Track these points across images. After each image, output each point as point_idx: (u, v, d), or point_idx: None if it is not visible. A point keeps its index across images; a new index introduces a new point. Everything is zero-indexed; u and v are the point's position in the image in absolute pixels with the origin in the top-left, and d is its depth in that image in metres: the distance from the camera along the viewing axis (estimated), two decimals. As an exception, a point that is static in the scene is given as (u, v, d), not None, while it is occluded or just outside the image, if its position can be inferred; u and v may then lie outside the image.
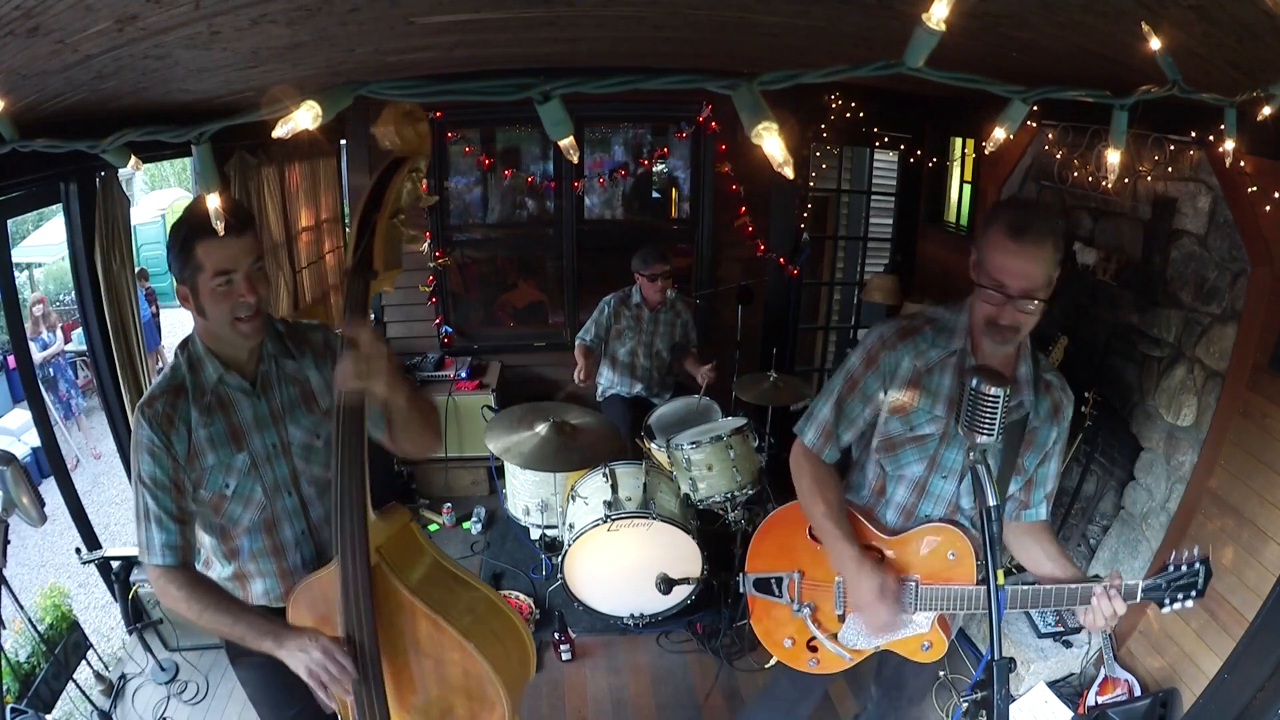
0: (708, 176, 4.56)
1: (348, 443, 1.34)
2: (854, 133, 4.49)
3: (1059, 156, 3.25)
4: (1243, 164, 2.30)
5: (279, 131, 0.85)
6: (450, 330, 4.70)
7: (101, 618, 3.72)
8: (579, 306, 4.69)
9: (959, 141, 4.43)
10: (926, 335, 1.62)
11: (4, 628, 2.00)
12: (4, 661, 2.46)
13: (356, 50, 2.31)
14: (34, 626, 2.66)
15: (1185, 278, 2.71)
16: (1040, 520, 1.70)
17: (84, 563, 2.99)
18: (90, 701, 2.74)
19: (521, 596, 3.38)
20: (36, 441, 4.56)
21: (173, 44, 1.69)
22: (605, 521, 2.98)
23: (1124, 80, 1.19)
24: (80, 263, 2.96)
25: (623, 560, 3.07)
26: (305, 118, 0.83)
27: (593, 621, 3.23)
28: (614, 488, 3.11)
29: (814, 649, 1.81)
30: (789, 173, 0.88)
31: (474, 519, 4.06)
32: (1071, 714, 2.45)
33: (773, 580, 1.81)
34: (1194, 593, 1.47)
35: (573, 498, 3.23)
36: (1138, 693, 2.64)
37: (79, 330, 5.48)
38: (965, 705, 2.66)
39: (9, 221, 2.74)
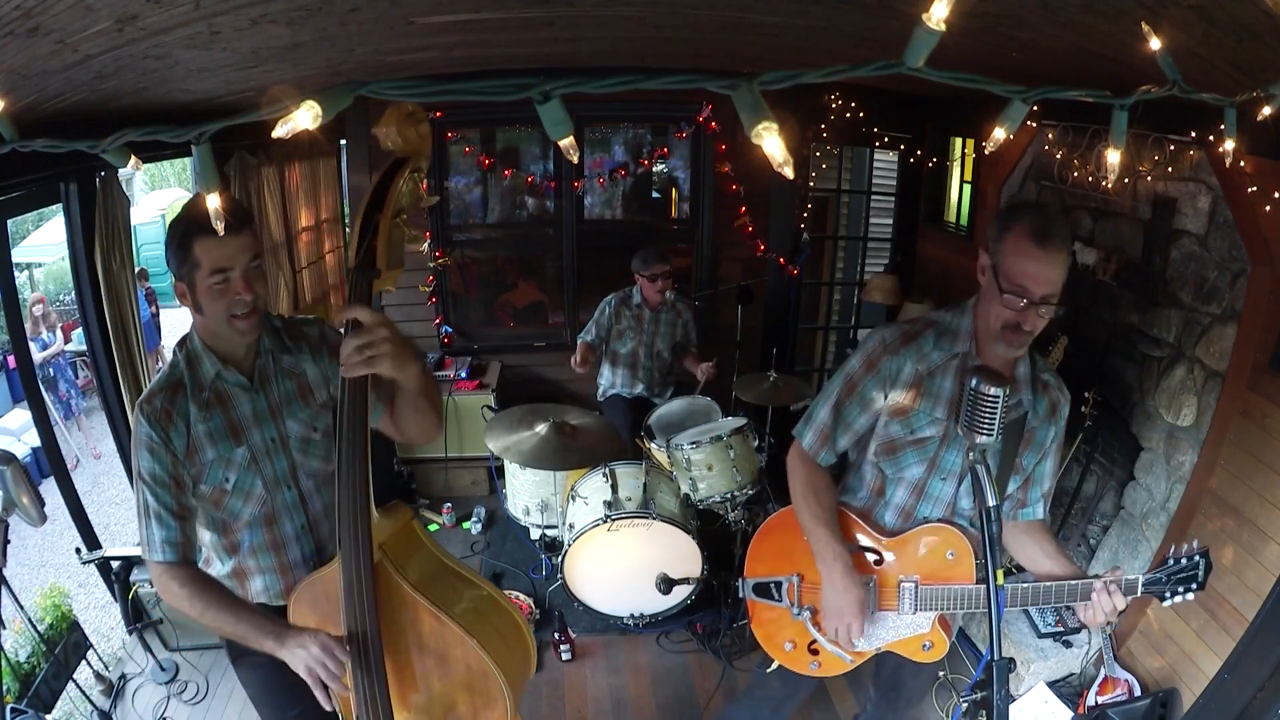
0: (708, 176, 4.56)
1: (350, 436, 1.34)
2: (854, 133, 4.49)
3: (1059, 156, 3.25)
4: (1243, 164, 2.30)
5: (279, 131, 0.85)
6: (450, 330, 4.70)
7: (101, 618, 3.73)
8: (579, 306, 4.70)
9: (959, 141, 4.43)
10: (929, 339, 1.62)
11: (4, 628, 2.00)
12: (4, 661, 2.46)
13: (356, 50, 2.31)
14: (34, 626, 2.66)
15: (1185, 278, 2.71)
16: (1038, 519, 1.71)
17: (84, 563, 2.99)
18: (90, 701, 2.74)
19: (521, 596, 3.38)
20: (36, 441, 4.56)
21: (173, 44, 1.69)
22: (605, 521, 2.99)
23: (1124, 80, 1.19)
24: (80, 263, 2.96)
25: (623, 560, 3.07)
26: (305, 118, 0.83)
27: (593, 621, 3.23)
28: (614, 488, 3.11)
29: (815, 652, 1.81)
30: (789, 173, 0.88)
31: (474, 519, 4.06)
32: (1071, 714, 2.45)
33: (772, 584, 1.80)
34: (1194, 585, 1.47)
35: (573, 498, 3.24)
36: (1138, 693, 2.64)
37: (79, 330, 5.48)
38: (965, 705, 2.67)
39: (9, 221, 2.74)
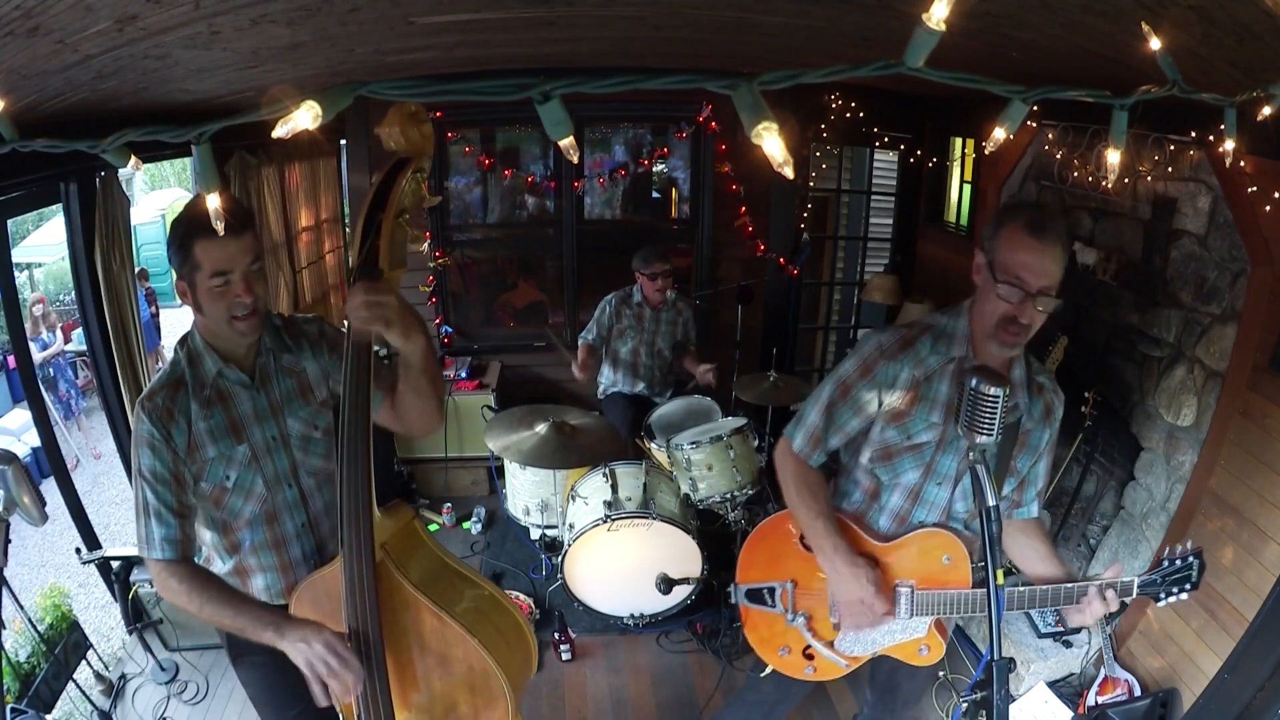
0: (708, 176, 4.56)
1: (352, 435, 1.34)
2: (854, 133, 4.49)
3: (1059, 156, 3.25)
4: (1243, 164, 2.30)
5: (279, 131, 0.85)
6: (450, 330, 4.70)
7: (101, 618, 3.72)
8: (579, 306, 4.70)
9: (959, 141, 4.43)
10: (926, 343, 1.60)
11: (4, 628, 1.99)
12: (4, 661, 2.46)
13: (356, 50, 2.31)
14: (34, 626, 2.66)
15: (1185, 278, 2.71)
16: (1033, 518, 1.71)
17: (84, 563, 2.99)
18: (90, 701, 2.74)
19: (521, 596, 3.38)
20: (36, 441, 4.55)
21: (173, 44, 1.69)
22: (605, 521, 2.98)
23: (1124, 80, 1.19)
24: (80, 263, 2.96)
25: (623, 560, 3.07)
26: (305, 118, 0.83)
27: (593, 621, 3.23)
28: (614, 488, 3.11)
29: (810, 657, 1.80)
30: (789, 173, 0.88)
31: (474, 519, 4.06)
32: (1071, 714, 2.45)
33: (765, 590, 1.79)
34: (1188, 585, 1.49)
35: (573, 498, 3.24)
36: (1138, 693, 2.64)
37: (79, 330, 5.48)
38: (965, 705, 2.67)
39: (9, 221, 2.74)
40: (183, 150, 3.41)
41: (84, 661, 2.84)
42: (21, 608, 2.59)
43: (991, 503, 1.26)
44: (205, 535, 1.59)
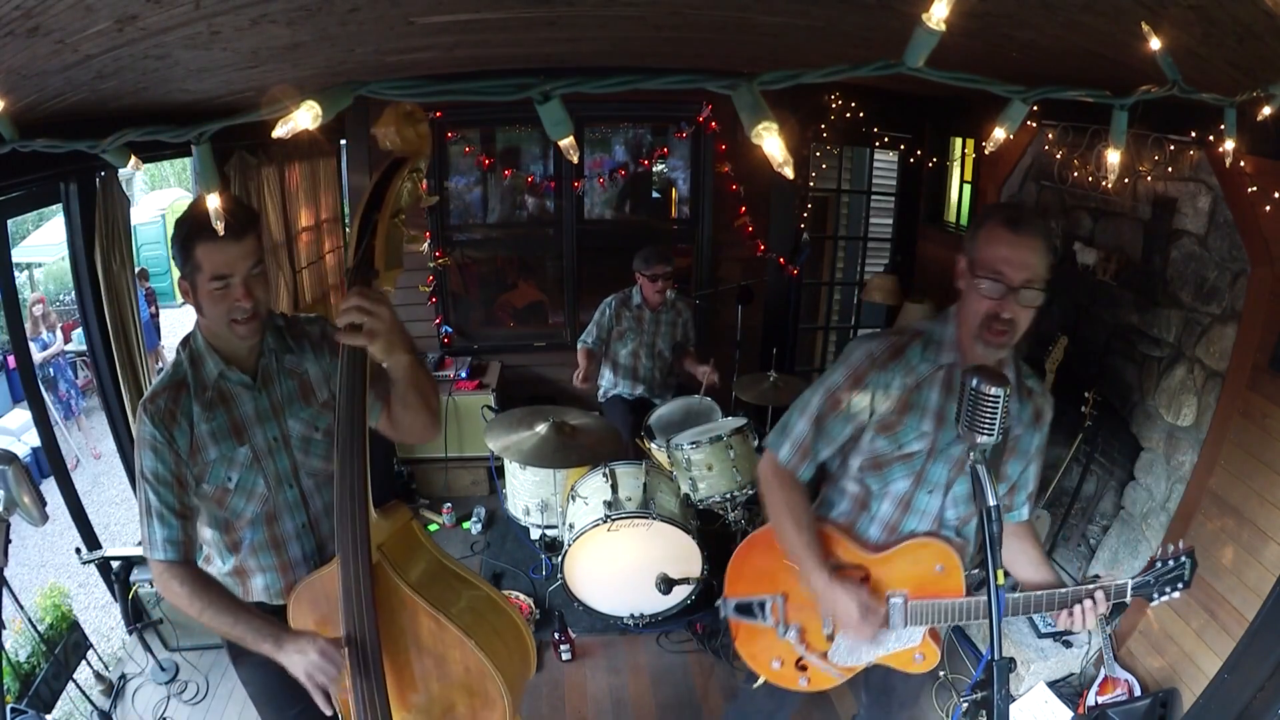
0: (708, 176, 4.56)
1: (348, 435, 1.34)
2: (854, 133, 4.49)
3: (1059, 156, 3.25)
4: (1243, 164, 2.30)
5: (279, 131, 0.85)
6: (450, 330, 4.71)
7: (101, 618, 3.72)
8: (579, 307, 4.69)
9: (959, 141, 4.43)
10: (916, 350, 1.58)
11: (4, 628, 1.99)
12: (4, 661, 2.45)
13: (356, 50, 2.31)
14: (34, 626, 2.66)
15: (1185, 278, 2.71)
16: (1024, 521, 1.69)
17: (84, 563, 2.99)
18: (90, 701, 2.74)
19: (521, 596, 3.38)
20: (36, 441, 4.55)
21: (173, 44, 1.69)
22: (605, 521, 2.98)
23: (1124, 80, 1.19)
24: (80, 263, 2.96)
25: (623, 560, 3.07)
26: (305, 118, 0.84)
27: (593, 621, 3.23)
28: (614, 488, 3.11)
29: (804, 668, 1.77)
30: (789, 173, 0.88)
31: (474, 519, 4.06)
32: (1071, 714, 2.45)
33: (755, 604, 1.75)
34: (1181, 584, 1.49)
35: (573, 498, 3.24)
36: (1138, 693, 2.64)
37: (79, 330, 5.48)
38: (965, 705, 2.67)
39: (9, 221, 2.74)
40: (183, 150, 3.41)
41: (84, 661, 2.84)
42: (21, 608, 2.59)
43: (992, 503, 1.25)
44: (206, 533, 1.59)
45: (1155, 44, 1.08)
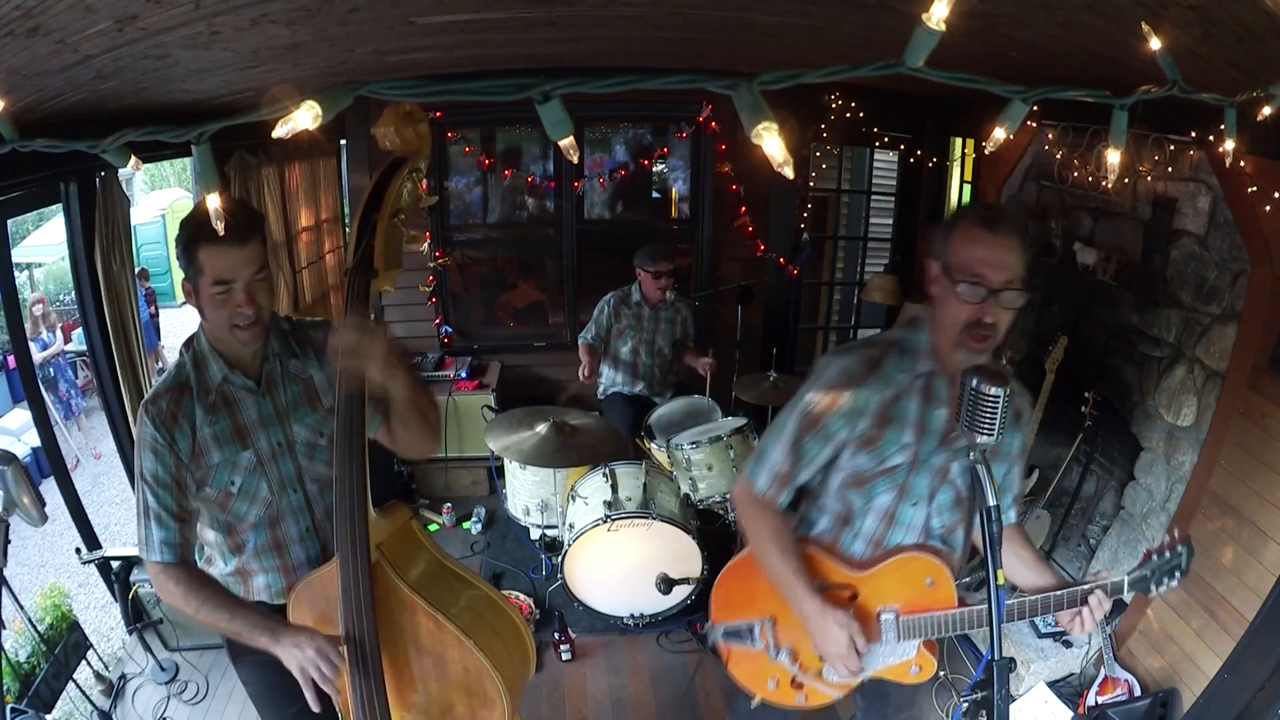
0: (708, 176, 4.56)
1: (348, 438, 1.34)
2: (854, 133, 4.49)
3: (1059, 156, 3.25)
4: (1243, 164, 2.30)
5: (279, 131, 0.85)
6: (450, 330, 4.70)
7: (101, 618, 3.72)
8: (579, 306, 4.70)
9: (959, 141, 4.43)
10: (893, 361, 1.53)
11: (4, 628, 1.99)
12: (4, 661, 2.46)
13: (356, 50, 2.31)
14: (34, 626, 2.66)
15: (1185, 278, 2.71)
16: (1012, 524, 1.67)
17: (84, 563, 2.99)
18: (90, 701, 2.74)
19: (521, 596, 3.38)
20: (36, 441, 4.55)
21: (173, 44, 1.69)
22: (605, 521, 2.99)
23: (1124, 80, 1.19)
24: (80, 263, 2.96)
25: (623, 560, 3.07)
26: (305, 118, 0.84)
27: (593, 621, 3.23)
28: (614, 488, 3.11)
29: (799, 686, 1.74)
30: (789, 173, 0.88)
31: (474, 519, 4.06)
32: (1071, 714, 2.45)
33: (743, 628, 1.72)
34: (1179, 573, 1.47)
35: (573, 498, 3.24)
36: (1138, 693, 2.64)
37: (79, 330, 5.48)
38: (965, 705, 2.67)
39: (9, 221, 2.74)
40: (183, 150, 3.41)
41: (84, 661, 2.84)
42: (21, 608, 2.59)
43: (992, 503, 1.25)
44: (209, 535, 1.59)
45: (1155, 44, 1.08)
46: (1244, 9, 1.30)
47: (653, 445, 3.52)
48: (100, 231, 2.91)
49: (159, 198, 10.75)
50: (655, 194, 5.18)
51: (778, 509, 1.62)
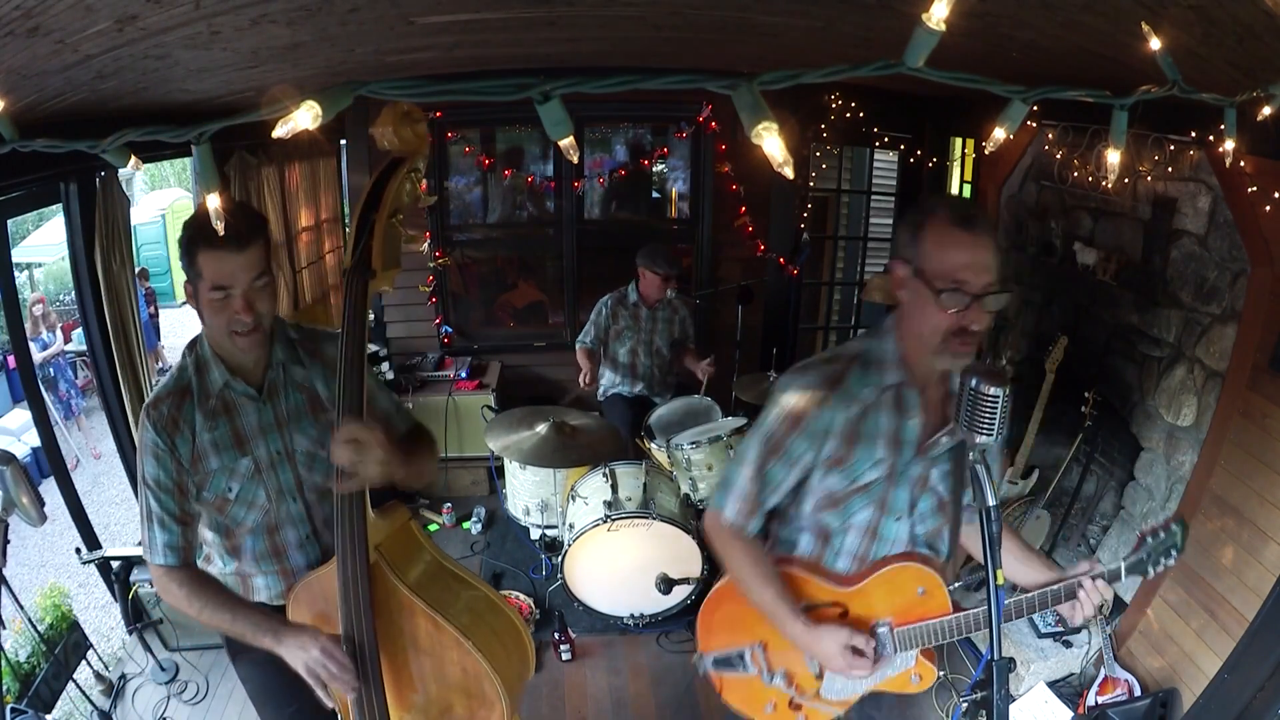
0: (708, 176, 4.56)
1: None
2: (854, 133, 4.49)
3: (1059, 156, 3.25)
4: (1243, 164, 2.30)
5: (279, 131, 0.85)
6: (450, 330, 4.70)
7: (101, 618, 3.72)
8: (579, 306, 4.69)
9: (959, 141, 4.43)
10: (855, 376, 1.44)
11: (4, 628, 2.00)
12: (4, 661, 2.46)
13: (356, 50, 2.31)
14: (34, 626, 2.66)
15: (1185, 278, 2.71)
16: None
17: (84, 563, 2.99)
18: (90, 701, 2.74)
19: (521, 596, 3.38)
20: (36, 441, 4.56)
21: (173, 44, 1.69)
22: (605, 521, 2.98)
23: (1124, 80, 1.19)
24: (80, 263, 2.96)
25: (623, 560, 3.07)
26: (305, 118, 0.84)
27: (593, 621, 3.23)
28: (614, 488, 3.11)
29: (798, 708, 1.71)
30: (789, 173, 0.88)
31: (474, 519, 4.06)
32: (1071, 714, 2.45)
33: (734, 655, 1.68)
34: (1174, 551, 1.45)
35: (573, 498, 3.24)
36: (1138, 693, 2.64)
37: (79, 330, 5.48)
38: (965, 705, 2.67)
39: (9, 221, 2.74)
40: (183, 150, 3.41)
41: (84, 661, 2.84)
42: (21, 608, 2.59)
43: (991, 502, 1.25)
44: (208, 535, 1.59)
45: (1155, 44, 1.08)
46: (1244, 9, 1.30)
47: (653, 445, 3.52)
48: (100, 231, 2.91)
49: (159, 198, 10.75)
50: (655, 194, 5.18)
51: (749, 536, 1.56)
